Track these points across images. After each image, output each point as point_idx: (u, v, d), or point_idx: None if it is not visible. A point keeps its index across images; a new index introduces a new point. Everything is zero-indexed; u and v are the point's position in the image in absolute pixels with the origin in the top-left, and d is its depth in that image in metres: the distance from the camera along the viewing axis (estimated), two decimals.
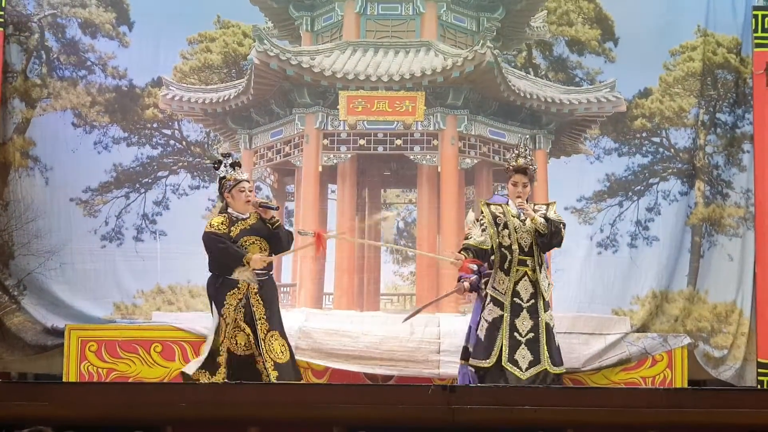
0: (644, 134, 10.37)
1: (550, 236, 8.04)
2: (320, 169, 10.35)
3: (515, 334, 7.96)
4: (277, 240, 8.09)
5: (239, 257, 7.87)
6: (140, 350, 9.77)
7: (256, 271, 7.94)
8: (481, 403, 5.78)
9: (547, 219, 8.05)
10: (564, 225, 8.14)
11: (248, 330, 7.97)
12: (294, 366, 8.13)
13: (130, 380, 9.52)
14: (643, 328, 9.98)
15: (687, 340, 9.90)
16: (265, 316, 8.00)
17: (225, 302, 7.98)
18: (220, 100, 10.36)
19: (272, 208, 8.08)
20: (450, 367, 9.43)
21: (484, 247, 8.04)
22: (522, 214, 8.04)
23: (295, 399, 5.89)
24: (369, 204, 10.63)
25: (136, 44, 10.32)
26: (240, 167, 8.19)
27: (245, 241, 8.00)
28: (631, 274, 10.15)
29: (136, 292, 10.10)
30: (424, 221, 10.37)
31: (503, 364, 7.92)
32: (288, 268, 10.21)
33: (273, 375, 7.89)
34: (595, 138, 10.44)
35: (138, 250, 10.18)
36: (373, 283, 10.35)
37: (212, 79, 10.41)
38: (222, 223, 8.02)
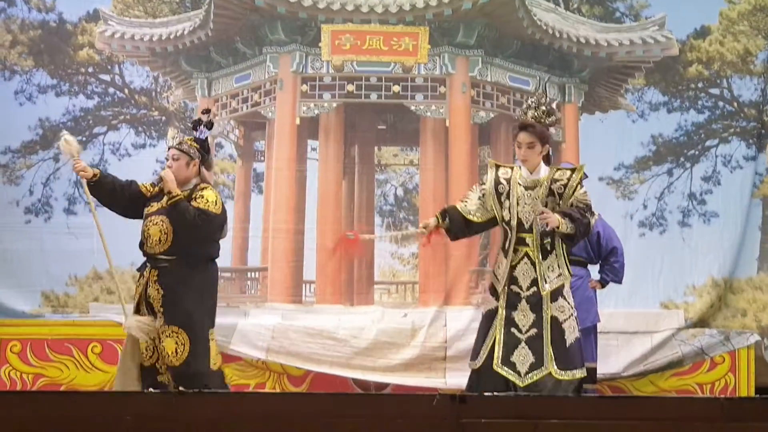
0: (700, 84, 10.46)
1: (577, 233, 7.73)
2: (298, 121, 10.44)
3: (512, 329, 7.74)
4: (176, 222, 7.89)
5: None
6: (75, 351, 9.91)
7: (159, 256, 7.88)
8: (499, 416, 5.71)
9: (565, 214, 7.68)
10: (590, 207, 7.81)
11: None
12: (204, 374, 7.82)
13: (62, 388, 9.70)
14: (701, 324, 10.04)
15: (755, 338, 9.93)
16: (162, 309, 7.88)
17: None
18: (172, 37, 10.43)
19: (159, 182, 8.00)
20: (459, 375, 9.34)
21: (472, 218, 7.90)
22: (540, 223, 7.69)
23: (267, 411, 5.81)
24: (359, 166, 10.68)
25: None
26: (196, 126, 8.09)
27: (150, 221, 7.96)
28: (684, 259, 10.23)
29: (69, 279, 10.17)
30: (429, 188, 10.43)
31: (494, 366, 7.70)
32: (257, 247, 10.23)
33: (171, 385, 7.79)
34: (638, 90, 10.51)
35: (70, 225, 10.22)
36: (365, 269, 10.37)
37: (162, 11, 10.54)
38: (148, 191, 8.10)
